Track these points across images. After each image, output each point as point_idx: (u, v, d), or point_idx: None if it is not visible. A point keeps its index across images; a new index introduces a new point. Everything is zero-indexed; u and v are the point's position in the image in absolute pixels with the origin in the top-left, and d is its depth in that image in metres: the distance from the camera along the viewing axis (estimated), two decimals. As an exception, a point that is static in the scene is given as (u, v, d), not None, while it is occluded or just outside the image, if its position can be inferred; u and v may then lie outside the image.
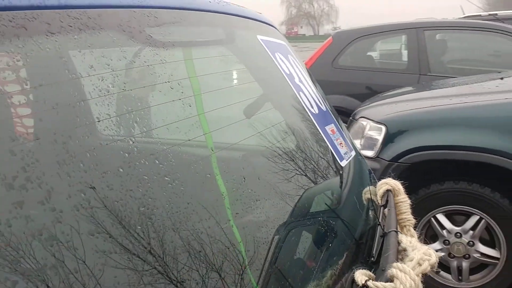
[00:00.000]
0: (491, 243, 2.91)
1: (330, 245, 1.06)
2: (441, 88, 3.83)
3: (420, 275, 0.87)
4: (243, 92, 1.36)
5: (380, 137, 3.10)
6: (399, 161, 2.97)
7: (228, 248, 0.81)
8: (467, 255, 2.93)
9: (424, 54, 5.65)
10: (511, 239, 2.85)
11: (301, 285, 0.91)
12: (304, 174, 1.17)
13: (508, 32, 5.45)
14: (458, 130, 2.91)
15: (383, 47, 7.01)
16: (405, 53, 6.05)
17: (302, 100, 1.27)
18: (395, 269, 0.88)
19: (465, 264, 2.94)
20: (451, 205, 2.90)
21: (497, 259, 2.90)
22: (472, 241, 2.91)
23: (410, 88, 4.24)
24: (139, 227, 0.69)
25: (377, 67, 6.24)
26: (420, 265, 0.88)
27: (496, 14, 7.92)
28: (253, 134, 1.14)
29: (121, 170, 0.72)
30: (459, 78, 4.18)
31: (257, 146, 1.11)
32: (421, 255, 0.90)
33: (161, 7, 0.97)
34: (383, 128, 3.10)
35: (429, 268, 0.89)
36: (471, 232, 2.90)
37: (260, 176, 1.05)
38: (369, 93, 5.23)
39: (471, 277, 2.95)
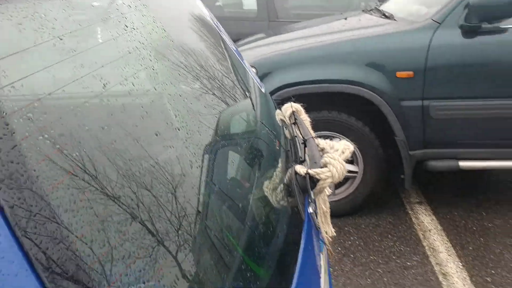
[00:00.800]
0: (351, 161, 3.44)
1: (264, 155, 1.30)
2: (296, 31, 4.23)
3: (344, 161, 1.17)
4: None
5: (252, 78, 3.40)
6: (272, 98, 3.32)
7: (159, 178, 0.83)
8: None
9: (271, 2, 6.07)
10: (366, 157, 3.41)
11: (244, 198, 1.12)
12: (233, 98, 1.38)
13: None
14: (318, 66, 3.34)
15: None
16: (253, 1, 6.40)
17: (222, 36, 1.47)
18: (327, 158, 1.16)
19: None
20: (325, 131, 3.33)
21: (356, 173, 3.46)
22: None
23: (263, 35, 4.58)
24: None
25: (228, 16, 6.51)
26: (343, 153, 1.18)
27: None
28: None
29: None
30: (307, 21, 4.63)
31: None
32: (343, 146, 1.20)
33: None
34: (254, 71, 3.41)
35: (349, 155, 1.18)
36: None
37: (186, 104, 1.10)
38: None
39: (337, 191, 3.47)
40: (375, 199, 3.60)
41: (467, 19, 3.20)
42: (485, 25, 3.19)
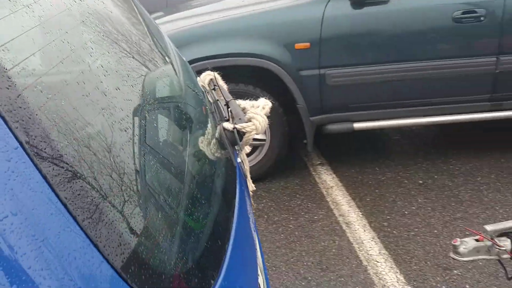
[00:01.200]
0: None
1: (193, 116, 1.43)
2: (196, 7, 4.33)
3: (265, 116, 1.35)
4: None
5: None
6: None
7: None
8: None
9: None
10: (273, 126, 3.64)
11: (181, 152, 1.26)
12: (155, 63, 1.49)
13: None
14: (223, 41, 3.49)
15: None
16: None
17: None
18: (250, 113, 1.33)
19: (242, 149, 3.66)
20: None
21: (264, 140, 3.69)
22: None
23: (161, 13, 4.62)
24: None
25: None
26: (264, 108, 1.35)
27: None
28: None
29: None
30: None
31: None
32: (263, 102, 1.37)
33: None
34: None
35: (269, 110, 1.37)
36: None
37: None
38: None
39: (248, 158, 3.68)
40: (282, 164, 3.86)
41: (355, -9, 3.51)
42: (371, -3, 3.53)
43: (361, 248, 2.96)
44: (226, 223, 1.08)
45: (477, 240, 1.94)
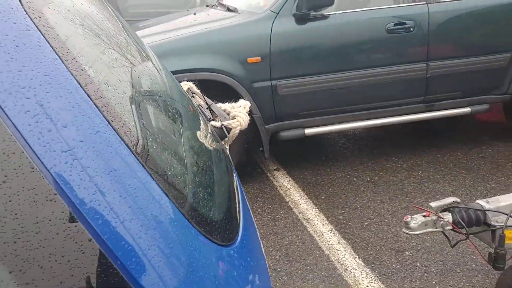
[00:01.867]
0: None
1: (182, 112, 1.64)
2: (149, 27, 4.53)
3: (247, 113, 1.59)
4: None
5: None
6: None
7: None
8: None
9: (114, 1, 6.24)
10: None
11: (178, 143, 1.47)
12: (138, 60, 1.68)
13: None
14: (183, 57, 3.71)
15: None
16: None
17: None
18: (234, 112, 1.57)
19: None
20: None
21: (223, 149, 3.91)
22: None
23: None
24: None
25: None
26: (245, 107, 1.60)
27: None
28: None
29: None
30: (156, 19, 4.94)
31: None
32: (244, 103, 1.62)
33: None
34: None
35: (249, 109, 1.61)
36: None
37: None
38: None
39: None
40: (241, 172, 4.10)
41: (298, 8, 3.84)
42: (313, 13, 3.86)
43: (322, 240, 3.24)
44: (235, 197, 1.32)
45: (424, 216, 2.26)
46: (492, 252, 2.27)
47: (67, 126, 0.73)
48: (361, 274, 2.89)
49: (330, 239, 3.24)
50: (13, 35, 0.74)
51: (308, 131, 4.09)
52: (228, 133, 1.55)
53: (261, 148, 4.03)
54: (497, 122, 4.91)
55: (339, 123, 4.17)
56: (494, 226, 2.24)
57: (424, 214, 2.27)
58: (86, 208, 0.71)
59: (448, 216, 2.25)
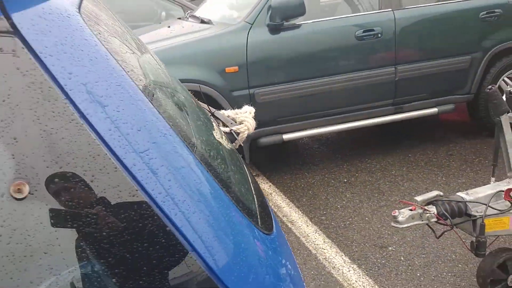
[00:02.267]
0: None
1: (192, 107, 1.71)
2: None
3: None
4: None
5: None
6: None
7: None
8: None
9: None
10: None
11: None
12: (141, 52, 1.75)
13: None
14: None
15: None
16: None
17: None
18: (241, 117, 1.67)
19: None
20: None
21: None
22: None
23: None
24: None
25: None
26: (251, 113, 1.69)
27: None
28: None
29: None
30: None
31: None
32: (249, 108, 1.71)
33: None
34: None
35: (254, 114, 1.71)
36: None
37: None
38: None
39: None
40: (222, 178, 4.18)
41: (272, 19, 3.97)
42: (286, 23, 4.00)
43: (307, 240, 3.35)
44: (262, 193, 1.42)
45: (411, 210, 2.40)
46: (474, 241, 2.43)
47: (141, 130, 0.81)
48: (349, 271, 3.01)
49: (315, 239, 3.36)
50: (87, 50, 0.81)
51: (286, 136, 4.21)
52: (237, 137, 1.64)
53: (241, 155, 4.11)
54: (462, 121, 5.18)
55: (315, 127, 4.31)
56: (475, 216, 2.41)
57: (410, 208, 2.42)
58: (162, 202, 0.80)
59: (433, 209, 2.40)
